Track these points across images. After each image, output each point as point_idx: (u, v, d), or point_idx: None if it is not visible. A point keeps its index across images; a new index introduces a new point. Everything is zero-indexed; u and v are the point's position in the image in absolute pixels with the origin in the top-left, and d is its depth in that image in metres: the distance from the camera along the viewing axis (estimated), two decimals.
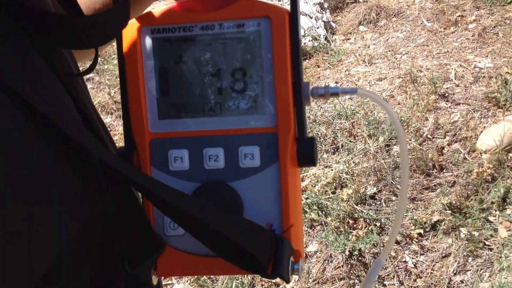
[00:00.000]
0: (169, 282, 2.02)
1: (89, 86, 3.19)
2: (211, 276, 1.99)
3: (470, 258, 1.71)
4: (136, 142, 0.46)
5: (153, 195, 0.39)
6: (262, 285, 1.89)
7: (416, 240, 1.81)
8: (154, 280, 0.47)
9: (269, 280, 1.89)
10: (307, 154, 0.44)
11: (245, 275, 1.92)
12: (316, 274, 1.84)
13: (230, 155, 0.45)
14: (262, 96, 0.45)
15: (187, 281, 1.99)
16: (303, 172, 2.19)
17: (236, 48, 0.45)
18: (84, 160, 0.40)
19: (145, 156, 0.46)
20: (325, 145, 2.27)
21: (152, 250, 0.45)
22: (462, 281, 1.68)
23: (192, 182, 0.45)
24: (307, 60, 2.99)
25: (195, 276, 1.97)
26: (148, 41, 0.46)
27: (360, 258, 1.81)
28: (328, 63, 2.86)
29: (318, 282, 1.82)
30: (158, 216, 0.47)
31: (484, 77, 2.34)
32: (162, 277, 0.48)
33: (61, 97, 0.39)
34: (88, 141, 0.38)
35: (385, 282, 1.75)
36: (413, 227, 1.84)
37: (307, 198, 2.03)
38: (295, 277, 0.48)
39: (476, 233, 1.74)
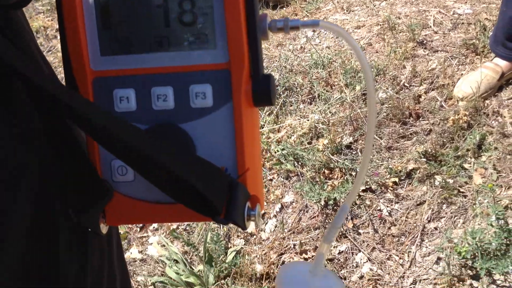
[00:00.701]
0: (145, 234, 2.01)
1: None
2: (187, 228, 1.98)
3: (444, 206, 1.72)
4: (78, 81, 0.42)
5: (95, 125, 0.35)
6: (238, 235, 1.89)
7: (391, 189, 1.81)
8: (104, 229, 0.44)
9: (244, 230, 1.89)
10: (262, 92, 0.41)
11: (221, 227, 1.91)
12: (292, 224, 1.84)
13: (180, 95, 0.41)
14: (212, 29, 0.41)
15: (163, 233, 1.97)
16: (279, 123, 2.15)
17: None
18: (8, 95, 0.36)
19: (88, 97, 0.42)
20: (302, 96, 2.23)
21: (99, 197, 0.42)
22: (436, 228, 1.69)
23: (140, 124, 0.42)
24: (284, 9, 2.91)
25: (171, 228, 1.95)
26: None
27: (335, 207, 1.81)
28: (306, 11, 2.78)
29: (294, 232, 1.82)
30: (105, 161, 0.43)
31: (463, 23, 2.30)
32: (127, 227, 0.45)
33: None
34: (18, 59, 0.34)
35: (359, 231, 1.76)
36: (388, 176, 1.83)
37: (283, 149, 2.01)
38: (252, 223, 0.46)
39: (451, 181, 1.74)
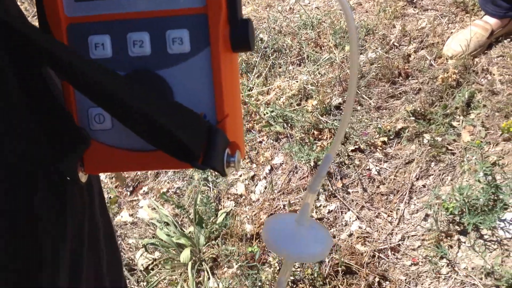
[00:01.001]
0: (135, 198, 2.01)
1: None
2: (177, 191, 1.98)
3: (432, 163, 1.73)
4: (52, 28, 0.41)
5: (73, 69, 0.35)
6: (228, 198, 1.89)
7: (380, 148, 1.81)
8: (83, 178, 0.44)
9: (235, 192, 1.90)
10: (241, 37, 0.40)
11: (211, 190, 1.91)
12: (282, 185, 1.85)
13: (156, 40, 0.40)
14: None
15: (153, 197, 1.98)
16: (268, 85, 2.14)
17: None
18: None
19: None
20: (291, 57, 2.21)
21: (75, 145, 0.41)
22: (424, 186, 1.70)
23: (116, 71, 0.41)
24: None
25: (161, 192, 1.95)
26: None
27: None
28: None
29: (283, 193, 1.83)
30: (81, 109, 0.42)
31: None
32: (105, 177, 0.45)
33: None
34: None
35: (349, 190, 1.76)
36: (377, 136, 1.83)
37: (272, 111, 2.00)
38: (233, 170, 0.46)
39: (439, 139, 1.74)
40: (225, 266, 1.72)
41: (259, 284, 1.61)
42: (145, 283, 1.76)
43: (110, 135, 0.42)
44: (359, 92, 1.95)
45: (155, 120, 0.36)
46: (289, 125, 1.97)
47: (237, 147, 0.42)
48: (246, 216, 1.81)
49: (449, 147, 1.73)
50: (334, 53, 2.11)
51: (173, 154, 0.38)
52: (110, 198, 2.00)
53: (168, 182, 2.02)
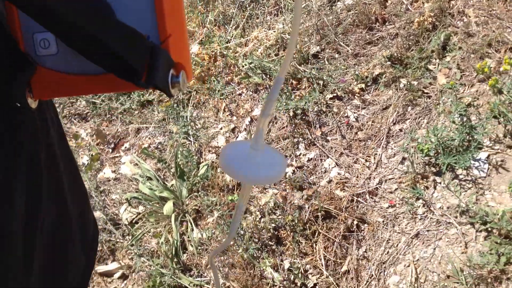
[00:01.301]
0: (117, 154, 2.01)
1: None
2: (159, 146, 1.99)
3: (409, 108, 1.74)
4: None
5: None
6: (209, 150, 1.90)
7: (358, 95, 1.82)
8: (33, 104, 0.44)
9: (215, 145, 1.90)
10: None
11: (192, 144, 1.92)
12: None
13: None
14: None
15: (135, 153, 1.98)
16: (245, 36, 2.12)
17: None
18: None
19: None
20: (268, 7, 2.18)
21: (21, 70, 0.41)
22: (401, 130, 1.72)
23: None
24: None
25: (142, 147, 1.96)
26: None
27: (303, 117, 1.82)
28: None
29: None
30: (27, 35, 0.42)
31: None
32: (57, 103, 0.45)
33: None
34: None
35: (328, 138, 1.78)
36: (355, 83, 1.83)
37: (250, 63, 1.99)
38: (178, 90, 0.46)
39: (416, 83, 1.75)
40: (208, 216, 1.75)
41: (241, 232, 1.64)
42: (130, 236, 1.79)
43: (55, 60, 0.43)
44: (337, 40, 1.95)
45: (96, 37, 0.36)
46: (267, 76, 1.97)
47: (182, 68, 0.43)
48: None
49: (425, 91, 1.74)
50: (311, 1, 2.09)
51: (117, 73, 0.39)
52: (91, 155, 2.00)
53: (149, 138, 2.02)
